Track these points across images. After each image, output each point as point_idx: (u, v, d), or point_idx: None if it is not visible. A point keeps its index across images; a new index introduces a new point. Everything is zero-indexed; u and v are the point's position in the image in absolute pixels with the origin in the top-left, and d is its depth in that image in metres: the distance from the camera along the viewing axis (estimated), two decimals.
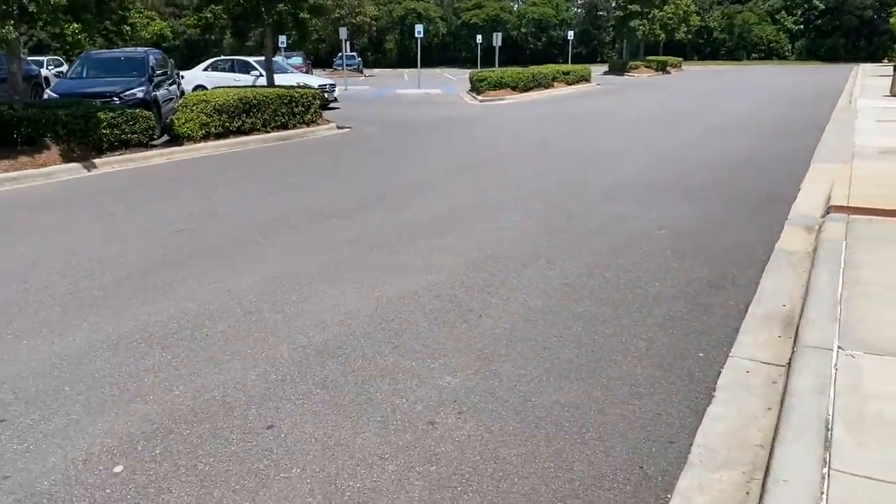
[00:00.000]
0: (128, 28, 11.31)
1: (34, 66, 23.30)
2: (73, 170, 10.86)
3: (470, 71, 30.95)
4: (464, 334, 4.36)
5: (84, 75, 15.29)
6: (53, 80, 21.24)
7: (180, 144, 12.88)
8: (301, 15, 14.96)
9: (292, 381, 3.78)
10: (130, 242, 6.71)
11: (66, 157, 10.98)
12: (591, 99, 25.45)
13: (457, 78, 45.06)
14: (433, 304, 4.88)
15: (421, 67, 35.53)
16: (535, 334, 4.35)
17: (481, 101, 24.51)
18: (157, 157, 12.18)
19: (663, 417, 3.35)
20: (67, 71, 16.43)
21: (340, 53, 59.35)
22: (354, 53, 56.03)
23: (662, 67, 48.24)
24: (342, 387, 3.70)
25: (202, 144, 13.11)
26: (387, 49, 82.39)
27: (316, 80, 23.13)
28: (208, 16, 14.63)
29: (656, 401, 3.51)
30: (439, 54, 77.19)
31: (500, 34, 32.77)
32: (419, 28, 30.27)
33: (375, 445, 3.15)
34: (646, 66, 47.21)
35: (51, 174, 10.53)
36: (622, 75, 45.18)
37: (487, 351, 4.11)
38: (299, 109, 15.40)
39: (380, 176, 10.38)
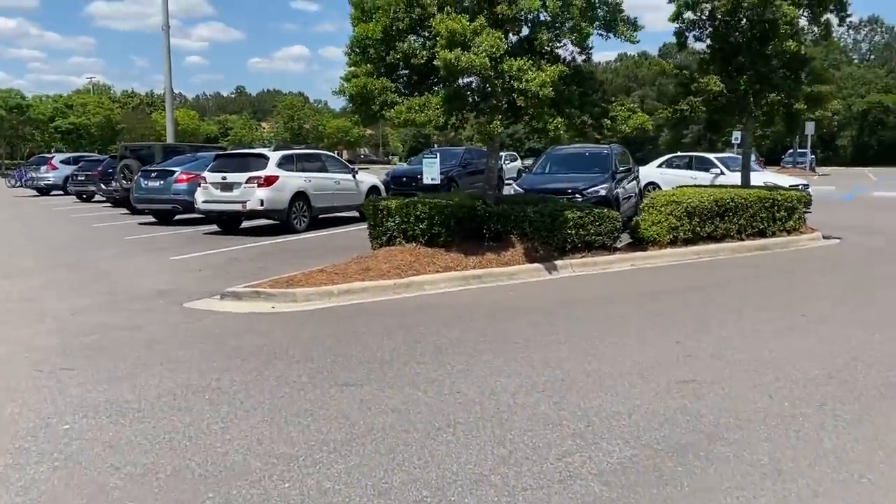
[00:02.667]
0: (608, 121, 10.30)
1: (500, 158, 24.94)
2: (536, 271, 10.02)
3: None
4: None
5: (547, 171, 15.07)
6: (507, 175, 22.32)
7: (644, 249, 11.34)
8: (796, 106, 12.47)
9: None
10: (620, 391, 5.01)
11: (529, 257, 10.22)
12: None
13: None
14: None
15: (882, 166, 29.48)
16: None
17: None
18: (620, 263, 10.79)
19: None
20: (532, 165, 16.55)
21: (790, 150, 54.34)
22: (807, 150, 50.38)
23: None
24: None
25: (668, 251, 11.38)
26: (839, 146, 73.45)
27: (783, 178, 20.10)
28: (685, 108, 13.11)
29: None
30: None
31: None
32: None
33: None
34: None
35: (514, 275, 9.81)
36: None
37: None
38: (781, 214, 12.75)
39: None
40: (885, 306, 7.89)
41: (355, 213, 16.82)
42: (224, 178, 14.50)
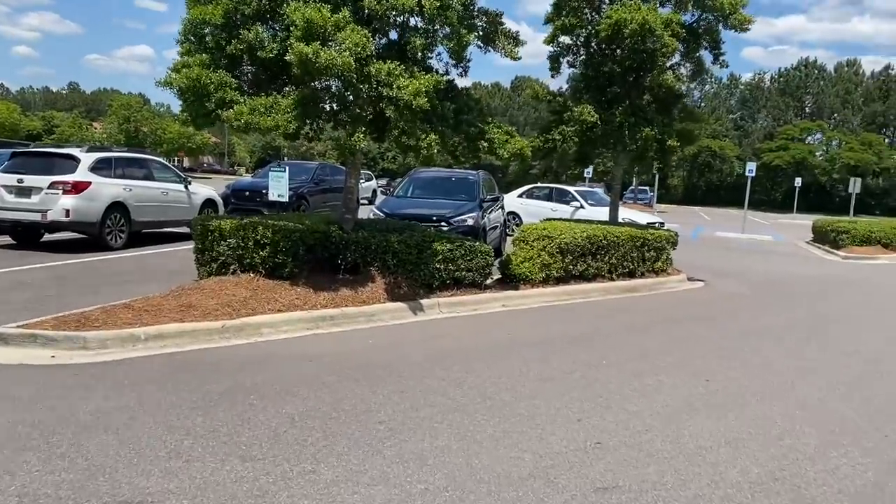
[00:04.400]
0: (485, 144, 9.12)
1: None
2: (399, 312, 8.56)
3: (815, 218, 25.90)
4: None
5: (410, 194, 13.74)
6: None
7: (515, 287, 10.23)
8: (669, 142, 12.01)
9: None
10: (486, 482, 3.64)
11: (391, 294, 8.75)
12: None
13: (769, 222, 39.84)
14: None
15: (708, 206, 31.33)
16: None
17: (844, 257, 19.53)
18: (491, 303, 9.59)
19: None
20: (392, 187, 15.14)
21: (631, 187, 57.04)
22: (647, 188, 53.05)
23: None
24: None
25: (539, 290, 10.35)
26: (671, 185, 78.65)
27: (639, 215, 20.11)
28: (557, 137, 12.28)
29: None
30: (729, 194, 71.34)
31: (800, 178, 27.87)
32: (751, 167, 26.19)
33: None
34: None
35: (373, 315, 8.29)
36: None
37: None
38: (650, 254, 12.21)
39: (813, 364, 6.55)
40: (783, 370, 7.19)
41: (186, 230, 14.56)
42: (20, 180, 11.82)
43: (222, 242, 8.49)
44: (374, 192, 36.97)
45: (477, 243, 9.76)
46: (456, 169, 14.04)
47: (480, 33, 9.43)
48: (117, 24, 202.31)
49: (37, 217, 11.64)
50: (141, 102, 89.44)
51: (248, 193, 18.13)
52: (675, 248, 12.99)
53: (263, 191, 17.35)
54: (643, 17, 11.19)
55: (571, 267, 10.86)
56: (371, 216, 12.17)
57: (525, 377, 6.20)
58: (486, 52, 9.60)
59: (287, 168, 13.70)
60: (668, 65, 11.99)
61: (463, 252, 9.36)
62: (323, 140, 9.04)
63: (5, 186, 11.84)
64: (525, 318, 9.12)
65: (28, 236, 12.74)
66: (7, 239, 12.75)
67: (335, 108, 8.78)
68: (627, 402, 5.59)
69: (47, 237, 13.05)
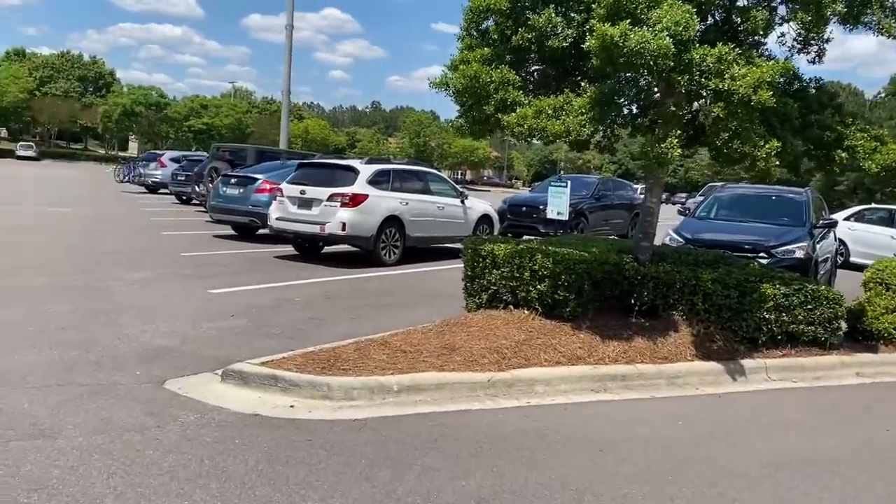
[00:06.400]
0: (842, 154, 6.67)
1: (636, 191, 21.19)
2: (711, 376, 6.49)
3: None
4: None
5: (715, 216, 11.37)
6: None
7: (872, 350, 7.53)
8: None
9: None
10: None
11: (701, 351, 6.70)
12: None
13: None
14: None
15: None
16: None
17: None
18: (839, 370, 7.06)
19: None
20: (695, 208, 12.86)
21: None
22: None
23: None
24: None
25: None
26: None
27: None
28: None
29: None
30: None
31: None
32: None
33: None
34: None
35: (677, 378, 6.34)
36: None
37: None
38: None
39: None
40: None
41: (460, 246, 13.77)
42: (303, 192, 11.81)
43: (494, 270, 7.17)
44: None
45: (822, 287, 7.25)
46: (775, 186, 11.36)
47: (842, 6, 6.97)
48: (414, 48, 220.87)
49: (316, 230, 11.50)
50: (431, 118, 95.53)
51: (524, 209, 17.02)
52: None
53: (541, 206, 16.11)
54: None
55: None
56: (667, 241, 10.13)
57: None
58: (849, 30, 7.08)
59: (569, 183, 12.22)
60: None
61: (802, 298, 6.96)
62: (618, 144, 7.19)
63: (290, 198, 11.91)
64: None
65: (309, 248, 12.81)
66: (290, 249, 12.96)
67: (638, 107, 7.03)
68: None
69: (327, 249, 13.04)
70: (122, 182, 31.91)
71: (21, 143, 67.26)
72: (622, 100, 6.44)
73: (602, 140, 7.18)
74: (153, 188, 29.04)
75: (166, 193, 27.35)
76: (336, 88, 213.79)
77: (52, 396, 4.78)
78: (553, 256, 6.80)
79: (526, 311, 6.95)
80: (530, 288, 6.88)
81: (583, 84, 6.52)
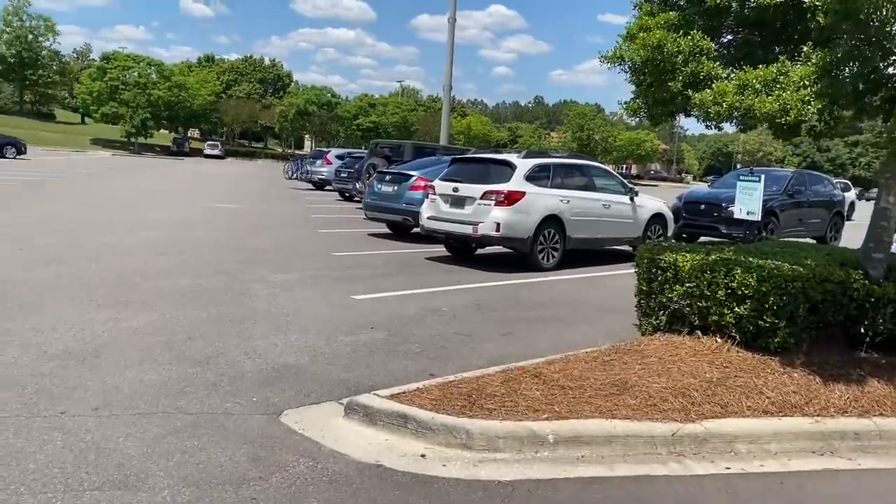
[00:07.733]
0: None
1: (835, 186, 18.45)
2: None
3: None
4: None
5: None
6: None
7: None
8: None
9: None
10: None
11: None
12: None
13: None
14: None
15: None
16: None
17: None
18: None
19: None
20: None
21: None
22: None
23: None
24: None
25: None
26: None
27: None
28: None
29: None
30: None
31: None
32: None
33: None
34: None
35: None
36: None
37: None
38: None
39: None
40: None
41: (628, 248, 12.35)
42: (456, 189, 10.95)
43: (677, 286, 5.83)
44: (853, 205, 30.26)
45: None
46: None
47: None
48: (579, 40, 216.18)
49: (468, 230, 10.59)
50: (595, 111, 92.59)
51: (703, 207, 15.14)
52: None
53: (723, 204, 14.26)
54: None
55: None
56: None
57: None
58: None
59: (762, 177, 10.45)
60: None
61: None
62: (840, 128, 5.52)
63: (442, 195, 11.09)
64: None
65: (462, 249, 11.96)
66: (442, 249, 12.19)
67: (864, 81, 5.39)
68: None
69: (480, 250, 12.14)
70: (290, 179, 33.07)
71: (208, 142, 73.23)
72: (866, 67, 4.86)
73: (818, 125, 5.60)
74: (319, 185, 29.74)
75: (331, 190, 27.85)
76: (499, 85, 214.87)
77: (153, 428, 4.15)
78: (757, 271, 5.35)
79: (719, 339, 5.57)
80: (725, 310, 5.48)
81: (804, 49, 5.01)
